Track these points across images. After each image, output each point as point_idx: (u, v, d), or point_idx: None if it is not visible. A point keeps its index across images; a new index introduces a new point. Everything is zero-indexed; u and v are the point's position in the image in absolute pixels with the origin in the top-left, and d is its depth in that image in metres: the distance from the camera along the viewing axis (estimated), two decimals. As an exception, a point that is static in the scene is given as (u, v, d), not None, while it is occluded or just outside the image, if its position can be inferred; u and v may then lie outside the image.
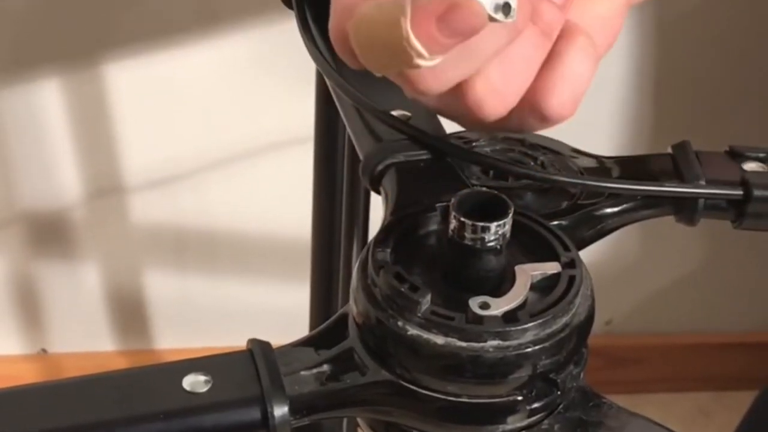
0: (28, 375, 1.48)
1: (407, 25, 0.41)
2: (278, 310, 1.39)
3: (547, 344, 0.44)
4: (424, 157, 0.55)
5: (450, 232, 0.45)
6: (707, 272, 1.53)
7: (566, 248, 0.47)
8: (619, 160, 0.58)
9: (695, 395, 1.58)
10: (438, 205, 0.49)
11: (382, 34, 0.42)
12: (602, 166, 0.57)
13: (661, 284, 1.55)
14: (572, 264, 0.46)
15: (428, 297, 0.44)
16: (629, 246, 1.49)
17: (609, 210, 0.55)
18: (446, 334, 0.43)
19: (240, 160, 1.34)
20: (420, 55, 0.41)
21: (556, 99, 0.47)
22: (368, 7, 0.42)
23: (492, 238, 0.45)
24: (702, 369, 1.57)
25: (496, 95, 0.46)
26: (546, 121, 0.48)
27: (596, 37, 0.49)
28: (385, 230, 0.48)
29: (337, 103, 0.64)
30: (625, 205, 0.56)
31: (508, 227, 0.45)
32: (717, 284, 1.55)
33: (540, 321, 0.44)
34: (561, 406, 0.46)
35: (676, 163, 0.56)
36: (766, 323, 1.58)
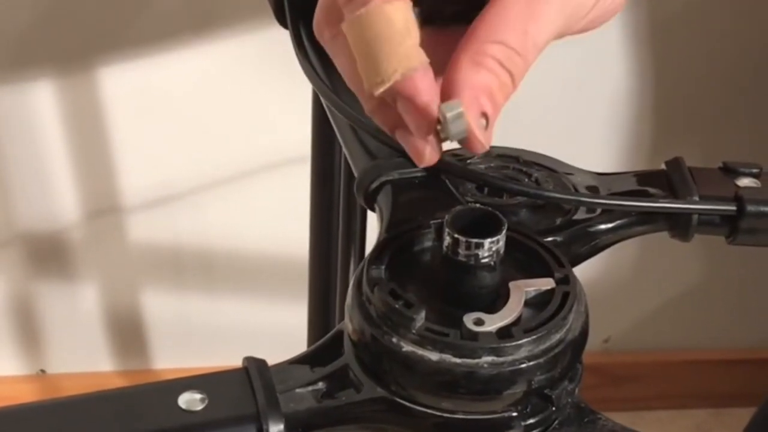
0: (26, 396, 1.48)
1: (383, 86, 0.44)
2: (276, 328, 1.39)
3: (541, 360, 0.44)
4: (419, 174, 0.55)
5: (444, 248, 0.46)
6: (705, 289, 1.53)
7: (560, 264, 0.47)
8: (613, 177, 0.58)
9: (693, 412, 1.58)
10: (432, 222, 0.49)
11: (366, 52, 0.44)
12: (596, 183, 0.57)
13: (659, 301, 1.55)
14: (566, 280, 0.46)
15: (423, 313, 0.44)
16: (626, 263, 1.49)
17: (603, 226, 0.55)
18: (441, 351, 0.44)
19: (237, 180, 1.34)
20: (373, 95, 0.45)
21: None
22: (368, 23, 0.44)
23: (486, 254, 0.45)
24: (700, 386, 1.57)
25: None
26: None
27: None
28: (379, 247, 0.48)
29: (332, 122, 0.64)
30: (619, 222, 0.56)
31: (501, 244, 0.45)
32: (714, 301, 1.54)
33: (534, 337, 0.44)
34: (556, 422, 0.46)
35: (670, 179, 0.57)
36: (764, 340, 1.58)
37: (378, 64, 0.44)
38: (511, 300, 0.45)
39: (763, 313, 1.56)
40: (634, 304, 1.54)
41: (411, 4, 0.45)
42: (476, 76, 0.45)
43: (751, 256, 1.43)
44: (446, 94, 0.45)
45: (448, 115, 0.44)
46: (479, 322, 0.44)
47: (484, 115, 0.45)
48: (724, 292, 1.54)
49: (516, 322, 0.45)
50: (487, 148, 0.46)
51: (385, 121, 0.48)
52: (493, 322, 0.44)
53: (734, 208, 0.55)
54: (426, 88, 0.45)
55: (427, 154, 0.46)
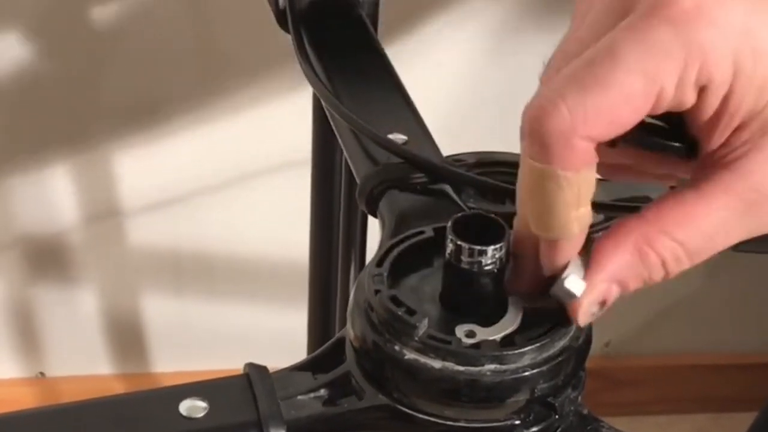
0: (25, 399, 1.48)
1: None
2: (276, 333, 1.39)
3: (544, 368, 0.44)
4: (421, 180, 0.55)
5: (447, 255, 0.45)
6: (705, 294, 1.53)
7: (563, 271, 0.47)
8: (617, 182, 0.58)
9: (693, 417, 1.57)
10: (435, 228, 0.49)
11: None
12: (599, 189, 0.57)
13: (660, 306, 1.54)
14: (569, 287, 0.46)
15: (425, 321, 0.44)
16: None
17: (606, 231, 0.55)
18: (443, 358, 0.43)
19: (237, 184, 1.34)
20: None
21: None
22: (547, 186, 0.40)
23: (489, 261, 0.45)
24: (700, 390, 1.57)
25: None
26: None
27: None
28: (381, 253, 0.48)
29: (333, 127, 0.64)
30: (621, 227, 0.55)
31: (504, 251, 0.45)
32: (715, 306, 1.54)
33: (537, 345, 0.44)
34: (559, 430, 0.46)
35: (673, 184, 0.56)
36: (764, 344, 1.57)
37: (538, 215, 0.42)
38: (513, 308, 0.45)
39: (764, 317, 1.56)
40: (634, 308, 1.53)
41: (593, 169, 0.41)
42: (627, 265, 0.42)
43: (752, 261, 1.43)
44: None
45: (556, 293, 0.43)
46: (482, 330, 0.44)
47: (603, 302, 0.43)
48: (724, 297, 1.54)
49: (519, 330, 0.44)
50: (582, 325, 0.44)
51: (521, 240, 0.45)
52: (495, 330, 0.44)
53: (737, 214, 0.54)
54: (567, 255, 0.43)
55: (523, 286, 0.45)
